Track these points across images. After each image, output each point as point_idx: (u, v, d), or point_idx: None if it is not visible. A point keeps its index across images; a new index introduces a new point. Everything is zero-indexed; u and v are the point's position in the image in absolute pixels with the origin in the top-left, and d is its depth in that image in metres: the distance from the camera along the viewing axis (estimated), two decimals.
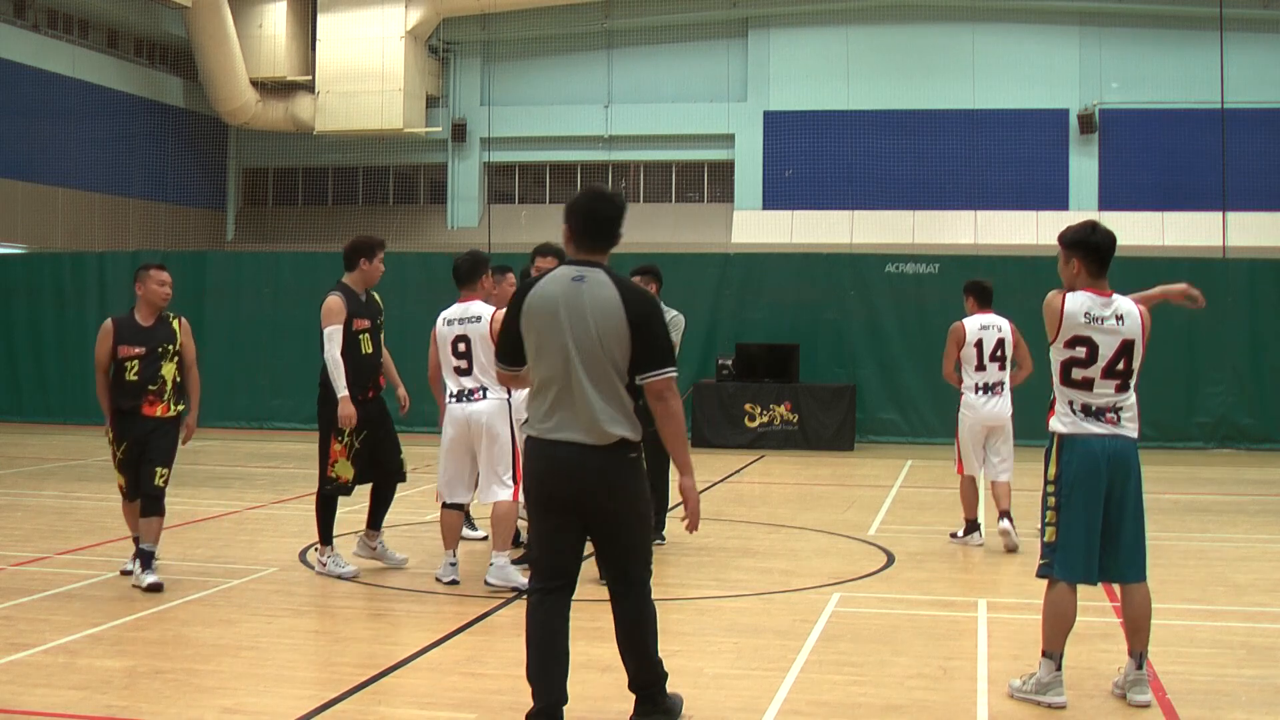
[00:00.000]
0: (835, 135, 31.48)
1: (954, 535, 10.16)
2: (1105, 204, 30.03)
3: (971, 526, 9.95)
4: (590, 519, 5.04)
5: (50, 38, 29.58)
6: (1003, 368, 9.79)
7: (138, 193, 31.58)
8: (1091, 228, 5.80)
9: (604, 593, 5.23)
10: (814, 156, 31.66)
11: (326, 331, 8.14)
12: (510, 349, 5.18)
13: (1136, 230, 27.93)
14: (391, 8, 32.31)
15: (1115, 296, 5.78)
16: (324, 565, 8.48)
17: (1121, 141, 30.64)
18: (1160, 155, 30.13)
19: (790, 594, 8.11)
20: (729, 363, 18.02)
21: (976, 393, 9.80)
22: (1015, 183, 30.62)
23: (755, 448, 17.47)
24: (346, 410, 8.08)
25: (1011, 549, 9.56)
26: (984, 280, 10.15)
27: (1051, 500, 5.72)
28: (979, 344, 9.76)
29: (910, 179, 30.89)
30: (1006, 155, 30.73)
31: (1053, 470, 5.73)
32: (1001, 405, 9.82)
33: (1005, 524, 9.61)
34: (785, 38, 32.14)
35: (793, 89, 31.78)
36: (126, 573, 8.26)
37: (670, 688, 5.32)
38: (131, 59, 32.45)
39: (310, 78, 32.94)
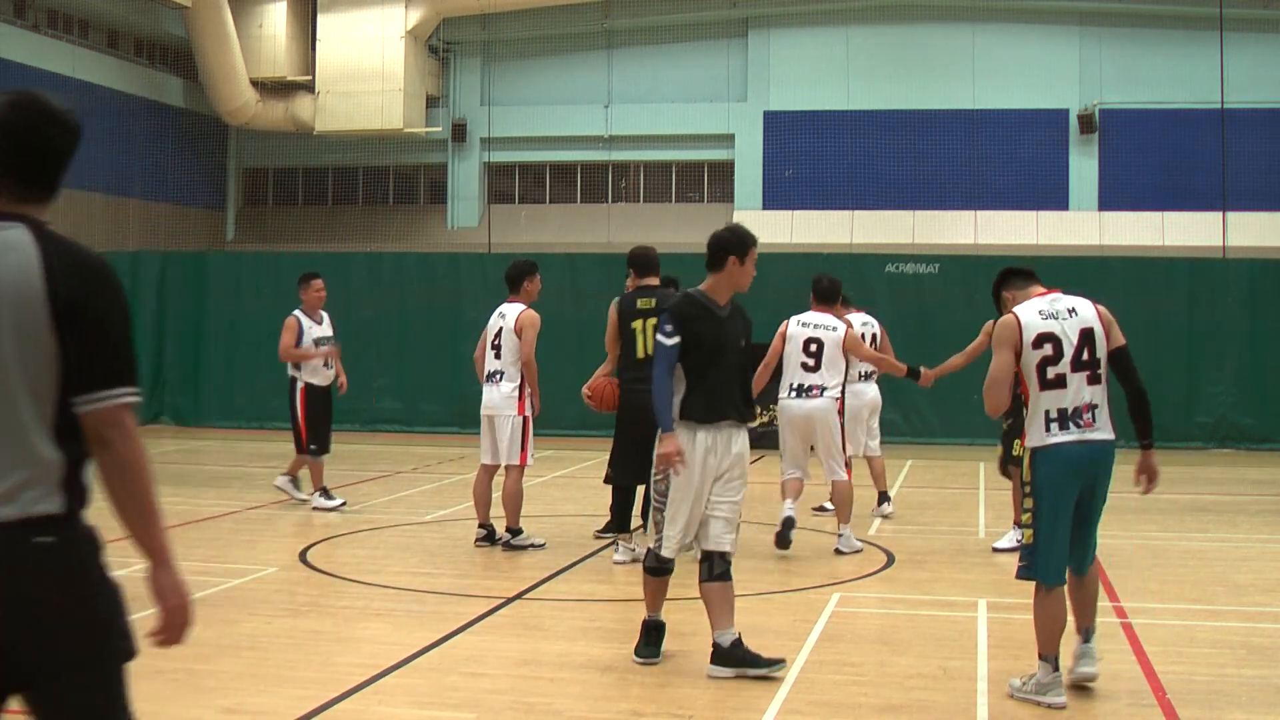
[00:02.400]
0: (835, 135, 31.43)
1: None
2: (1105, 204, 29.98)
3: (883, 497, 11.43)
4: None
5: (50, 38, 29.56)
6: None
7: (138, 193, 31.55)
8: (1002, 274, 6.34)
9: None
10: (814, 156, 31.61)
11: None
12: None
13: (1136, 230, 27.91)
14: (391, 8, 32.29)
15: (1059, 293, 5.91)
16: None
17: (1121, 141, 30.60)
18: (1160, 155, 30.09)
19: (790, 594, 8.12)
20: None
21: (860, 380, 11.19)
22: (1015, 183, 30.58)
23: (755, 448, 17.17)
24: None
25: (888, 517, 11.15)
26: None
27: (1028, 503, 5.80)
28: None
29: (910, 179, 30.84)
30: (1006, 155, 30.68)
31: (1027, 473, 5.81)
32: (871, 390, 11.42)
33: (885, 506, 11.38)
34: (785, 38, 32.10)
35: (793, 89, 31.74)
36: None
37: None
38: (131, 59, 32.44)
39: (310, 78, 32.92)
